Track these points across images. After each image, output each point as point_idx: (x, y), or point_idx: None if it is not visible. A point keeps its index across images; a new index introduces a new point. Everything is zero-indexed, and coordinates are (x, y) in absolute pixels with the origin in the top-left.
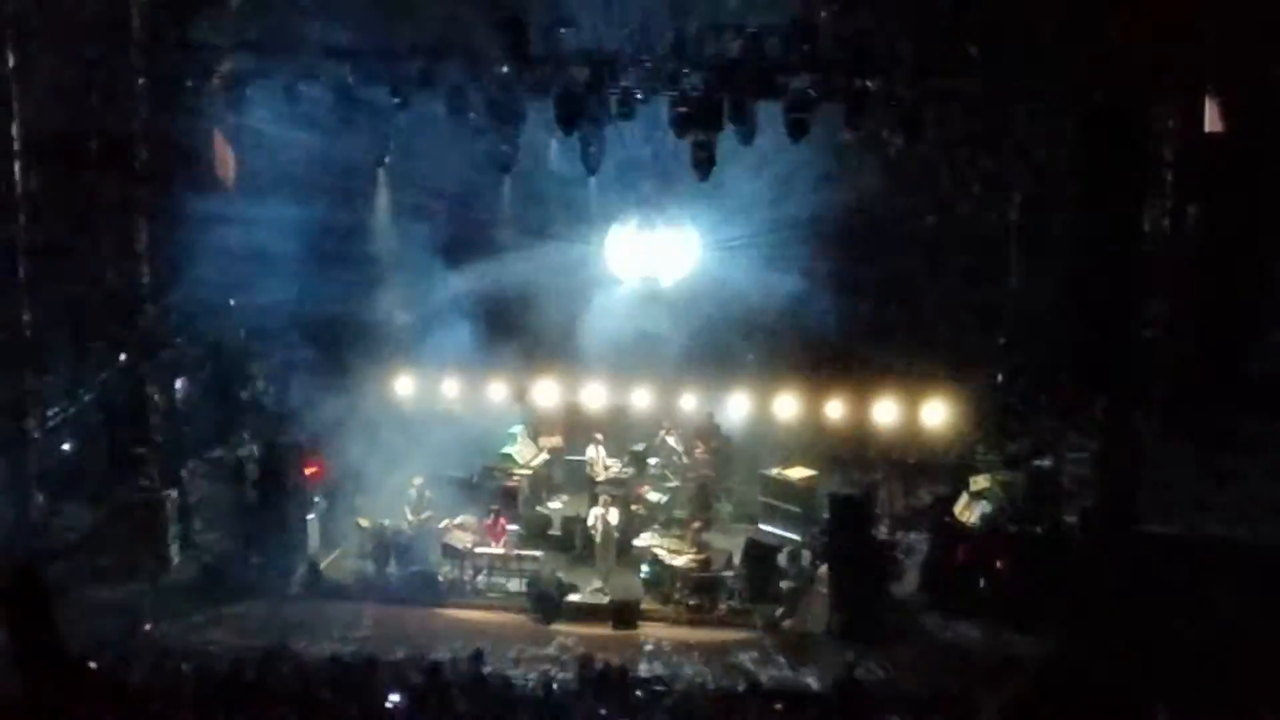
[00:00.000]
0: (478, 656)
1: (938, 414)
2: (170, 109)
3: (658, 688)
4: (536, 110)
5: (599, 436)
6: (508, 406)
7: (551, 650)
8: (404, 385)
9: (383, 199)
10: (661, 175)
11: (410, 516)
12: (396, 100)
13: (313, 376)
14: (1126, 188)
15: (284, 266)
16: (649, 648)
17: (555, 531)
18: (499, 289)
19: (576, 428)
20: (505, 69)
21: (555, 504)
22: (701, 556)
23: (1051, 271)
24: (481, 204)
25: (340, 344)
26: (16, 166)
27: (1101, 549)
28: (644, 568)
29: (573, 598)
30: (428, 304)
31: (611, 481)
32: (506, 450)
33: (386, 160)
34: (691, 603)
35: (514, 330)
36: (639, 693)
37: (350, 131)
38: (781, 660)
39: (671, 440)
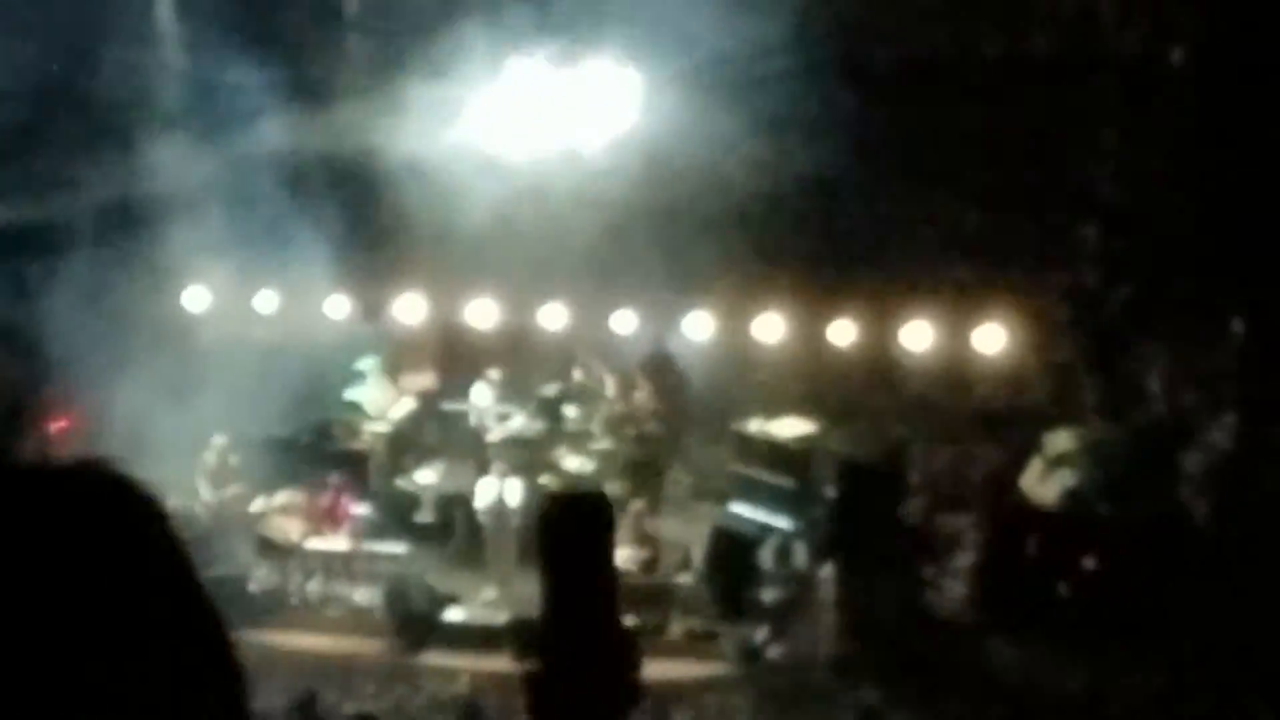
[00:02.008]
0: (309, 703)
1: (996, 340)
2: None
3: None
4: None
5: (491, 374)
6: (354, 330)
7: (421, 691)
8: (196, 299)
9: (164, 21)
10: None
11: (208, 494)
12: None
13: (58, 285)
14: None
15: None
16: None
17: (425, 516)
18: (338, 152)
19: (457, 362)
20: None
21: (425, 475)
22: (645, 553)
23: (1172, 127)
24: (305, 26)
25: (97, 235)
26: None
27: (1242, 541)
28: None
29: (453, 615)
30: (230, 172)
31: (510, 441)
32: (352, 396)
33: None
34: (629, 623)
35: (362, 216)
36: None
37: None
38: (766, 708)
39: (599, 380)
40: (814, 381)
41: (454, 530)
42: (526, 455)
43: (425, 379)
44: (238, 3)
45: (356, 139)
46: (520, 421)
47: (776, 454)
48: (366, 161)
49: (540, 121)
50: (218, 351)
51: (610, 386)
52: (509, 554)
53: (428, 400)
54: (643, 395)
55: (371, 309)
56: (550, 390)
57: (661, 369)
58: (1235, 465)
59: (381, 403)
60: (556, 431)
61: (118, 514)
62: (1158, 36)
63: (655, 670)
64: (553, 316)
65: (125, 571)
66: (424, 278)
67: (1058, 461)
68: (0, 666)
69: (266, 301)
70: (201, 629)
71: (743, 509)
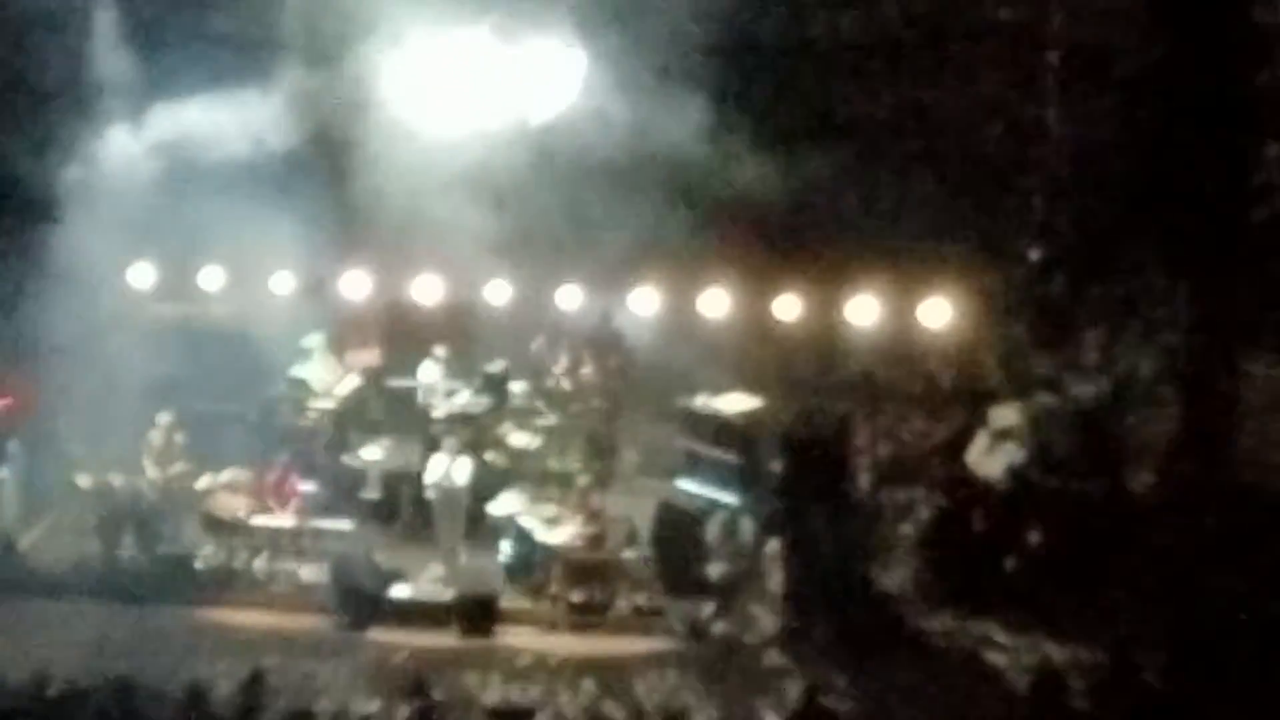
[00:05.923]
0: (256, 680)
1: (941, 314)
2: None
3: None
4: None
5: (438, 351)
6: (298, 306)
7: (367, 669)
8: (142, 276)
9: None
10: None
11: (154, 472)
12: None
13: None
14: None
15: None
16: (514, 665)
17: (371, 493)
18: (282, 129)
19: (402, 338)
20: None
21: (371, 452)
22: (591, 530)
23: (1115, 98)
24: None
25: (38, 211)
26: None
27: (1185, 512)
28: (505, 546)
29: (398, 592)
30: (174, 150)
31: (456, 418)
32: (297, 373)
33: None
34: (576, 599)
35: (304, 190)
36: None
37: None
38: (711, 684)
39: (556, 354)
40: (760, 357)
41: (400, 507)
42: (472, 432)
43: (371, 355)
44: None
45: (300, 115)
46: (466, 398)
47: (722, 430)
48: (311, 138)
49: (484, 96)
50: (162, 329)
51: (561, 362)
52: (455, 530)
53: (374, 377)
54: (589, 371)
55: (317, 285)
56: (496, 367)
57: (606, 345)
58: (1179, 441)
59: (327, 379)
60: (503, 408)
61: None
62: (1106, 16)
63: (601, 646)
64: (498, 292)
65: None
66: (369, 254)
67: (1003, 436)
68: None
69: (212, 278)
70: None
71: (689, 485)
